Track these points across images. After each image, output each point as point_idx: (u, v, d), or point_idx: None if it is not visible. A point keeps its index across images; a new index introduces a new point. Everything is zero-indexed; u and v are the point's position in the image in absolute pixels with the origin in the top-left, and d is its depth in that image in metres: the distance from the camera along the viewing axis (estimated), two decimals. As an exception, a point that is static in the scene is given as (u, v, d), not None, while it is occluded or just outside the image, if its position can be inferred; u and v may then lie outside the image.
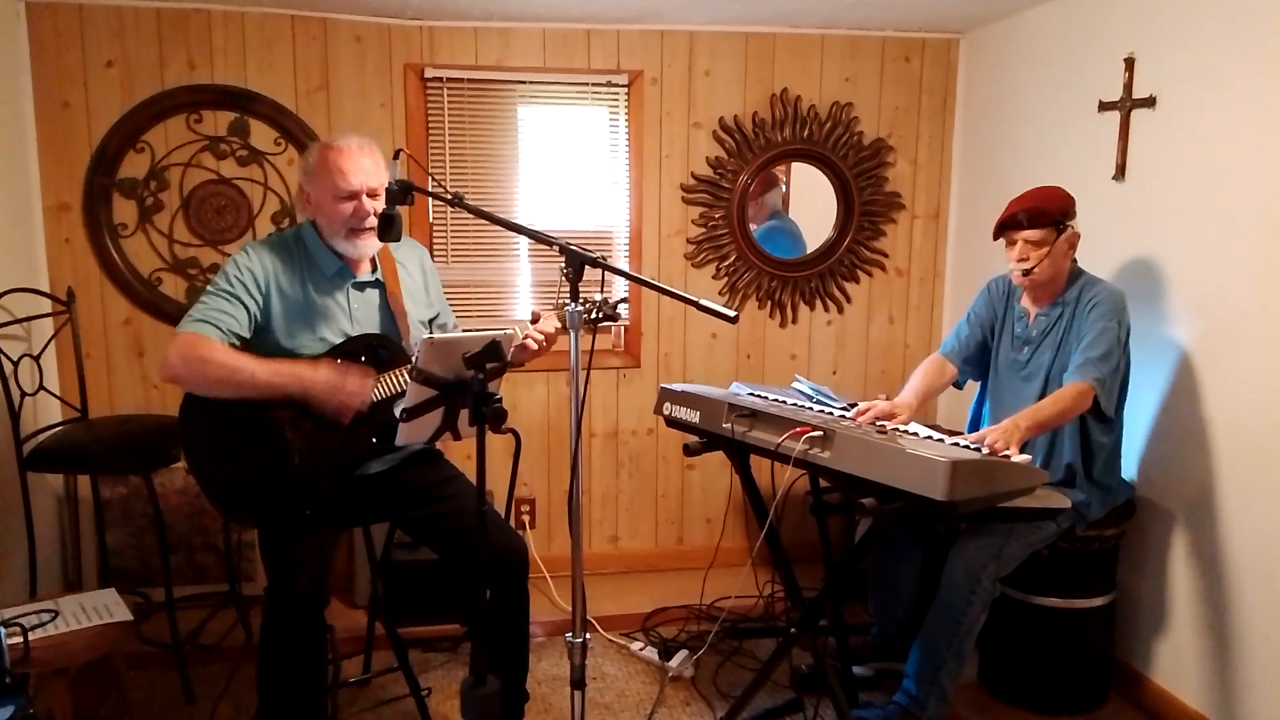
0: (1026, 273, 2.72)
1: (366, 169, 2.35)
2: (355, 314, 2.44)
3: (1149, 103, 2.89)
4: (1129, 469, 2.98)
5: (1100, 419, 2.69)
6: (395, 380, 2.39)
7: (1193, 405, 2.77)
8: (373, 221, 2.32)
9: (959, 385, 3.05)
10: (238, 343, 2.28)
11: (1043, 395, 2.70)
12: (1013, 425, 2.45)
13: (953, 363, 2.98)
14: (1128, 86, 2.96)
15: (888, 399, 2.68)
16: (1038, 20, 3.43)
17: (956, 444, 2.34)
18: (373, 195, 2.35)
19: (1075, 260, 2.80)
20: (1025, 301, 2.87)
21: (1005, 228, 2.75)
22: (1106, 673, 2.97)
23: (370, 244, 2.39)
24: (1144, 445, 2.96)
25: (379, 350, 2.40)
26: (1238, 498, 2.63)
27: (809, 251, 4.01)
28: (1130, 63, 2.94)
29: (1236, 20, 2.58)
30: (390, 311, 2.49)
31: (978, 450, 2.26)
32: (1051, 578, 2.84)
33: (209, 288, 2.31)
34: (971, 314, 3.02)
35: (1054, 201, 2.70)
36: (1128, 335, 2.68)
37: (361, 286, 2.47)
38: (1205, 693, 2.74)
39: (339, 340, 2.38)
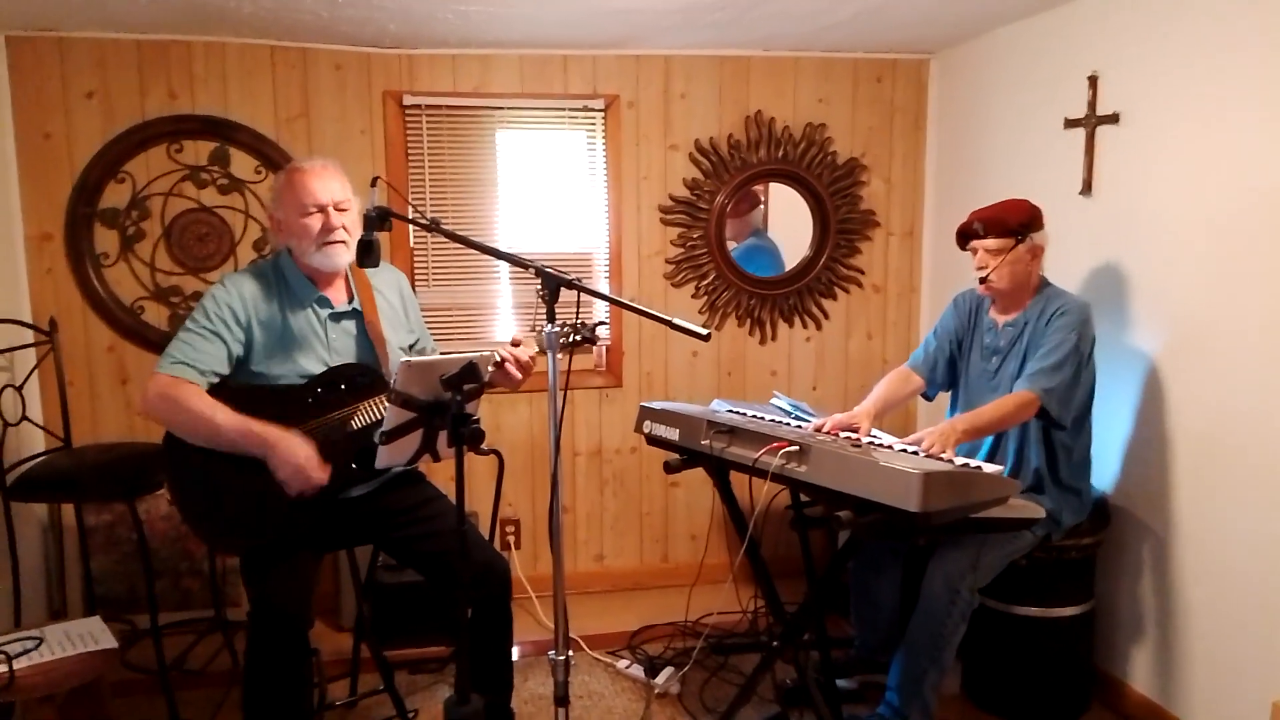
0: (984, 280, 2.77)
1: (330, 184, 2.42)
2: (333, 344, 2.46)
3: (1113, 119, 2.95)
4: (1104, 478, 3.03)
5: (1058, 426, 2.71)
6: (375, 409, 2.42)
7: (1161, 414, 2.82)
8: (342, 234, 2.39)
9: (928, 397, 3.09)
10: (217, 379, 2.32)
11: None
12: (950, 428, 2.51)
13: (919, 374, 3.01)
14: (1092, 104, 3.02)
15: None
16: (1005, 40, 3.50)
17: (904, 450, 2.38)
18: (339, 209, 2.41)
19: (1043, 276, 2.84)
20: (994, 312, 2.91)
21: (964, 236, 2.80)
22: (1088, 681, 3.00)
23: (342, 255, 2.42)
24: (1117, 454, 3.01)
25: (358, 379, 2.42)
26: (1205, 504, 2.68)
27: (787, 270, 4.07)
28: (1094, 81, 3.01)
29: (1196, 39, 2.65)
30: (369, 340, 2.51)
31: (950, 461, 2.30)
32: (1030, 587, 2.87)
33: (188, 322, 2.34)
34: (938, 328, 3.06)
35: (1015, 214, 2.73)
36: (1091, 346, 2.72)
37: (338, 318, 2.49)
38: (1185, 699, 2.78)
39: (318, 370, 2.41)
